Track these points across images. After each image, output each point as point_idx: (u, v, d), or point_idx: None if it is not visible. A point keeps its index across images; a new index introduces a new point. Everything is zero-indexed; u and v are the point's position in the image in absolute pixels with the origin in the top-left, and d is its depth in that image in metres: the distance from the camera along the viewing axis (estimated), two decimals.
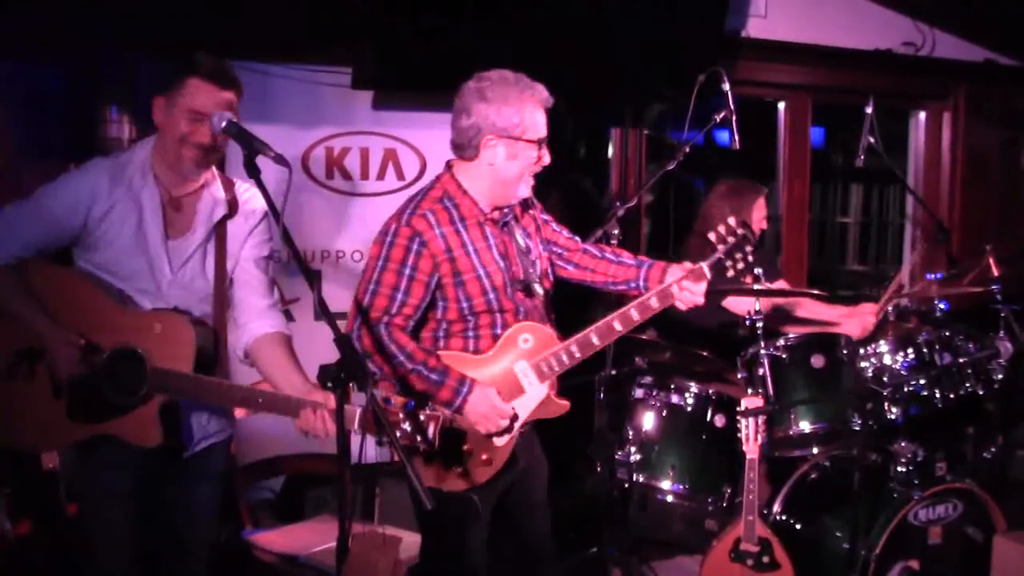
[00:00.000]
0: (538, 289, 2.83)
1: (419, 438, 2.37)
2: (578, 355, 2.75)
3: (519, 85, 2.71)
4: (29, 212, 2.56)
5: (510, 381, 2.75)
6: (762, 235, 4.41)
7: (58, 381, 2.53)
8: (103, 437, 2.54)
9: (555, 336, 2.79)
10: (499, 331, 2.76)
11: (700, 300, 2.78)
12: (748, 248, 2.81)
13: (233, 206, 2.71)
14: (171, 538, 2.73)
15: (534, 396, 2.77)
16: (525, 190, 2.80)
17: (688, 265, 2.81)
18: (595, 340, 2.75)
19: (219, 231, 2.68)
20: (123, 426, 2.52)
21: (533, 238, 2.93)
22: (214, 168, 2.70)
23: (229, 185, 2.73)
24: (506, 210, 2.82)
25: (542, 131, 2.74)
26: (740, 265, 2.81)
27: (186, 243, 2.63)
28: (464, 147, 2.74)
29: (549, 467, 3.05)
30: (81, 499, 2.69)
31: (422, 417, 2.39)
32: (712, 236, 2.81)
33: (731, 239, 2.79)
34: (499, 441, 2.75)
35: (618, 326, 2.75)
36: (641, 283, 2.90)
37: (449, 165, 2.84)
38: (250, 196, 2.75)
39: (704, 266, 2.77)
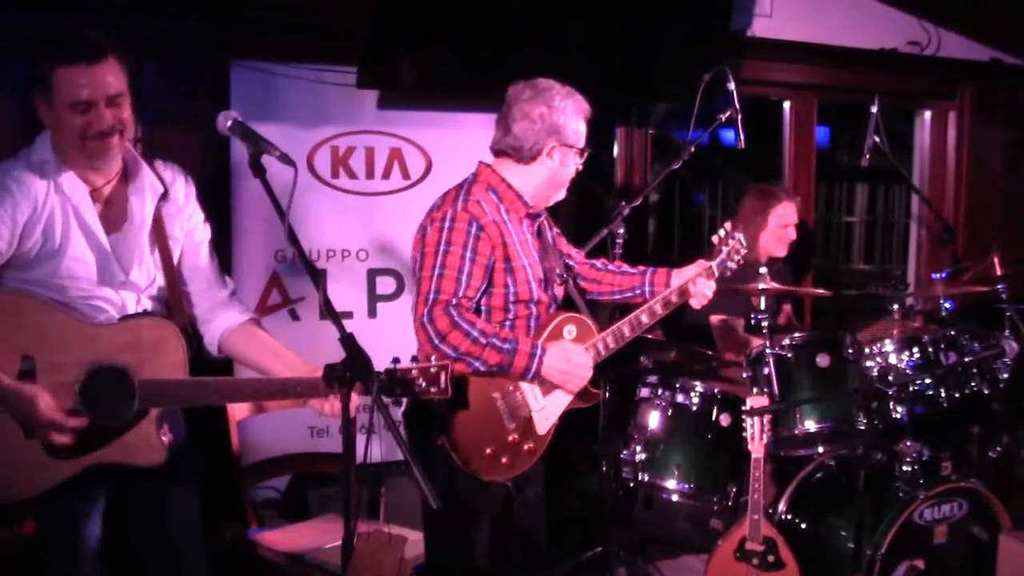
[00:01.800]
0: (560, 288, 2.94)
1: (433, 389, 2.36)
2: (612, 345, 2.89)
3: (573, 96, 2.83)
4: None
5: None
6: (790, 246, 4.43)
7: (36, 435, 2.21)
8: (96, 466, 2.28)
9: (594, 327, 2.89)
10: (532, 324, 2.83)
11: (710, 296, 3.01)
12: (739, 255, 3.07)
13: (163, 185, 2.50)
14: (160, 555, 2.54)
15: None
16: (563, 194, 2.94)
17: (703, 263, 3.02)
18: (627, 332, 2.90)
19: (155, 215, 2.47)
20: (122, 449, 2.30)
21: (556, 242, 3.06)
22: (129, 146, 2.46)
23: (149, 163, 2.51)
24: (539, 212, 2.92)
25: (584, 140, 2.88)
26: (735, 268, 3.09)
27: (127, 236, 2.43)
28: (521, 151, 2.81)
29: (555, 466, 3.04)
30: (44, 521, 2.41)
31: (433, 370, 2.37)
32: (715, 239, 3.05)
33: (730, 242, 3.05)
34: (541, 429, 2.81)
35: (645, 319, 2.93)
36: (647, 288, 3.06)
37: (487, 163, 2.88)
38: (171, 173, 2.54)
39: (713, 265, 3.02)
